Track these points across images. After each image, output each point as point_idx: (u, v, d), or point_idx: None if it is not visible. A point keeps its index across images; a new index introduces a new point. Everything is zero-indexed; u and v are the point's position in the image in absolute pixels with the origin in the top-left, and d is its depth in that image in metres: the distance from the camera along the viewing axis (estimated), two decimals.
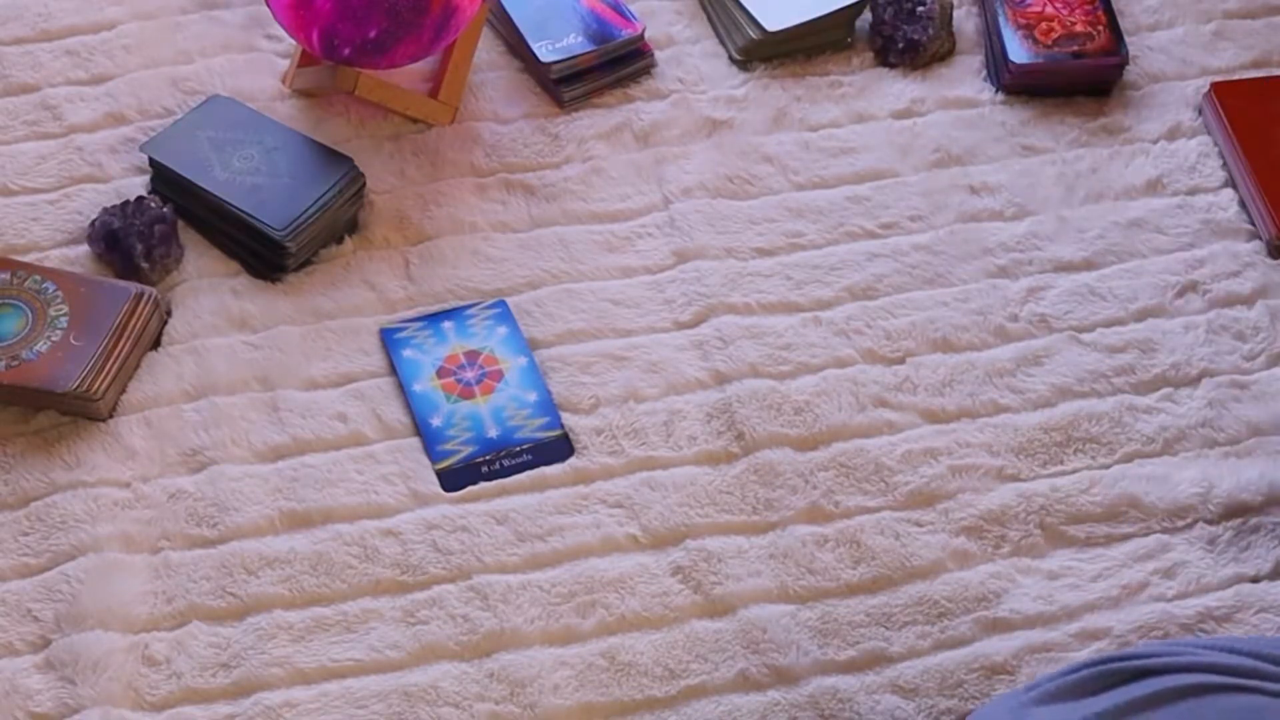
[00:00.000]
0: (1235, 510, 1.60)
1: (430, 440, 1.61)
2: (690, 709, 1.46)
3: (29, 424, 1.61)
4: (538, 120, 1.90)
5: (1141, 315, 1.75)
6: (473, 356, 1.67)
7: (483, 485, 1.58)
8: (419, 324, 1.70)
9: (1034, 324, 1.74)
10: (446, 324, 1.70)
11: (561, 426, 1.63)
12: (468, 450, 1.60)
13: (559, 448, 1.62)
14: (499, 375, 1.66)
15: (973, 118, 1.93)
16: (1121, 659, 1.25)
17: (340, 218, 1.77)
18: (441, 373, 1.66)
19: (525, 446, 1.62)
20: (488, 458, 1.61)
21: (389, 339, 1.69)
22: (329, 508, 1.56)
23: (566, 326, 1.72)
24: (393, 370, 1.66)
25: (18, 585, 1.51)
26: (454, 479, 1.59)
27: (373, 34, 1.74)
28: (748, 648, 1.49)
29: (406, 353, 1.67)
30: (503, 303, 1.72)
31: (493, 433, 1.62)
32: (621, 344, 1.70)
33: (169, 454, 1.60)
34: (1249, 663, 1.21)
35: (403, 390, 1.65)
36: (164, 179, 1.78)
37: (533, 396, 1.65)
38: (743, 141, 1.89)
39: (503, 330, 1.69)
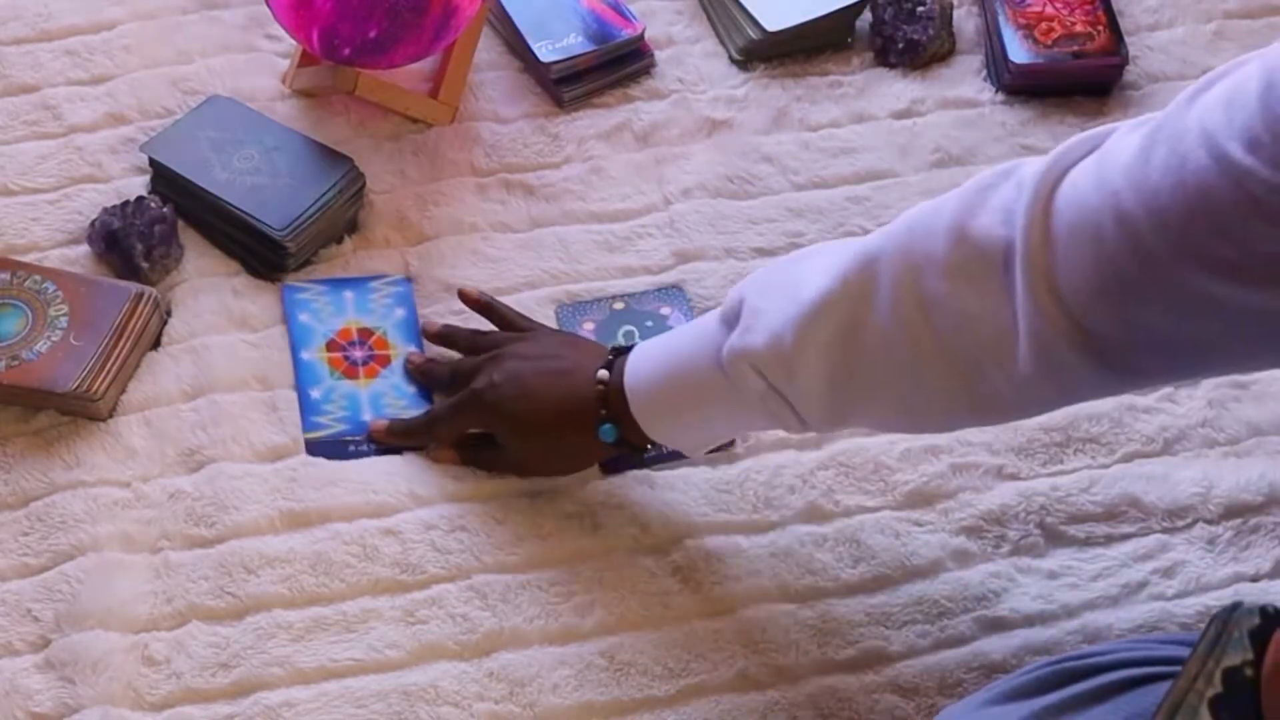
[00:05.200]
0: (1235, 510, 1.60)
1: (306, 409, 1.60)
2: (690, 708, 1.45)
3: (29, 424, 1.61)
4: (538, 120, 1.90)
5: None
6: (365, 335, 1.66)
7: (482, 485, 1.58)
8: (321, 288, 1.69)
9: None
10: (348, 294, 1.67)
11: None
12: (339, 428, 1.60)
13: None
14: (386, 360, 1.65)
15: (973, 118, 1.93)
16: (1078, 657, 1.26)
17: (340, 218, 1.77)
18: (331, 346, 1.65)
19: None
20: (357, 438, 1.60)
21: (289, 297, 1.66)
22: (328, 507, 1.56)
23: None
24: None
25: (18, 585, 1.51)
26: (319, 449, 1.58)
27: (373, 34, 1.74)
28: (747, 647, 1.49)
29: (303, 317, 1.66)
30: (407, 281, 1.70)
31: (367, 417, 1.61)
32: None
33: (169, 454, 1.60)
34: None
35: (292, 353, 1.64)
36: (164, 179, 1.78)
37: (412, 389, 1.64)
38: (743, 141, 1.89)
39: (400, 312, 1.67)
